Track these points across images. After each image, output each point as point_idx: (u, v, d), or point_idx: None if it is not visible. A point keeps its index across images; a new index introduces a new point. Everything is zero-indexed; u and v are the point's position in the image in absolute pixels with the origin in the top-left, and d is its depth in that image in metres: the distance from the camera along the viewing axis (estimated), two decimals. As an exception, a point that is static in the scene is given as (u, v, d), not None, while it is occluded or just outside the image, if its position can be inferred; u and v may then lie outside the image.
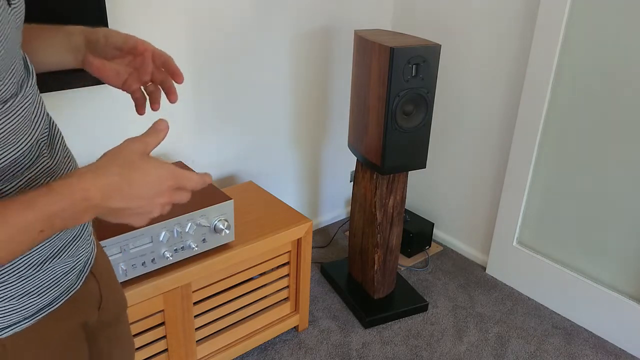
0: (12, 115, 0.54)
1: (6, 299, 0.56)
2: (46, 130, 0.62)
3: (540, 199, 2.01)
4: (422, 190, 2.53)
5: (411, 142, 1.70)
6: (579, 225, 1.91)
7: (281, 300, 1.78)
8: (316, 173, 2.44)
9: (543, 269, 2.04)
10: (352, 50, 2.30)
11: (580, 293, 1.95)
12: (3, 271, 0.56)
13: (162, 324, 1.43)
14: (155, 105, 0.78)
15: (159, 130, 0.59)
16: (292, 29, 2.04)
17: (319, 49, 2.17)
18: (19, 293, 0.57)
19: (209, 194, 1.47)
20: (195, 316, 1.53)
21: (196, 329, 1.55)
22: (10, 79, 0.54)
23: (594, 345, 1.87)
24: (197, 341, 1.57)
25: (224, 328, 1.63)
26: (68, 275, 0.64)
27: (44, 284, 0.60)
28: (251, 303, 1.68)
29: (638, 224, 1.75)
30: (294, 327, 1.88)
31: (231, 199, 1.46)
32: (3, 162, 0.54)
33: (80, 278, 0.67)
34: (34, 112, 0.59)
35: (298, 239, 1.69)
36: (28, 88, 0.58)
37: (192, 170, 0.63)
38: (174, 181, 0.57)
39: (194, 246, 1.40)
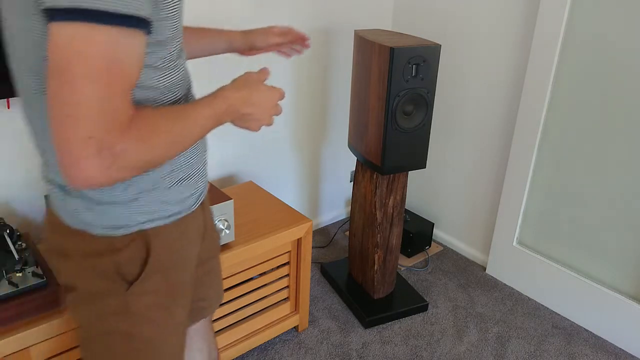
0: (182, 67, 0.81)
1: (155, 202, 0.82)
2: (190, 82, 0.90)
3: (540, 199, 2.01)
4: (422, 190, 2.53)
5: (411, 142, 1.70)
6: (579, 225, 1.91)
7: (281, 300, 1.78)
8: (316, 173, 2.44)
9: (543, 269, 2.04)
10: (352, 50, 2.30)
11: (580, 293, 1.95)
12: (161, 182, 0.81)
13: (162, 324, 1.43)
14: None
15: (263, 72, 0.87)
16: (292, 29, 2.04)
17: (319, 49, 2.17)
18: (162, 200, 0.83)
19: (208, 194, 1.47)
20: (195, 316, 1.53)
21: (196, 329, 1.55)
22: (179, 40, 0.78)
23: (594, 345, 1.87)
24: (197, 341, 1.56)
25: (223, 328, 1.63)
26: (189, 198, 0.88)
27: (175, 198, 0.85)
28: (251, 303, 1.68)
29: (638, 224, 1.75)
30: (294, 327, 1.88)
31: (231, 199, 1.46)
32: (179, 96, 0.81)
33: (196, 204, 0.91)
34: (187, 69, 0.86)
35: (298, 239, 1.69)
36: (184, 53, 0.84)
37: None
38: (278, 98, 0.88)
39: (194, 246, 1.40)
